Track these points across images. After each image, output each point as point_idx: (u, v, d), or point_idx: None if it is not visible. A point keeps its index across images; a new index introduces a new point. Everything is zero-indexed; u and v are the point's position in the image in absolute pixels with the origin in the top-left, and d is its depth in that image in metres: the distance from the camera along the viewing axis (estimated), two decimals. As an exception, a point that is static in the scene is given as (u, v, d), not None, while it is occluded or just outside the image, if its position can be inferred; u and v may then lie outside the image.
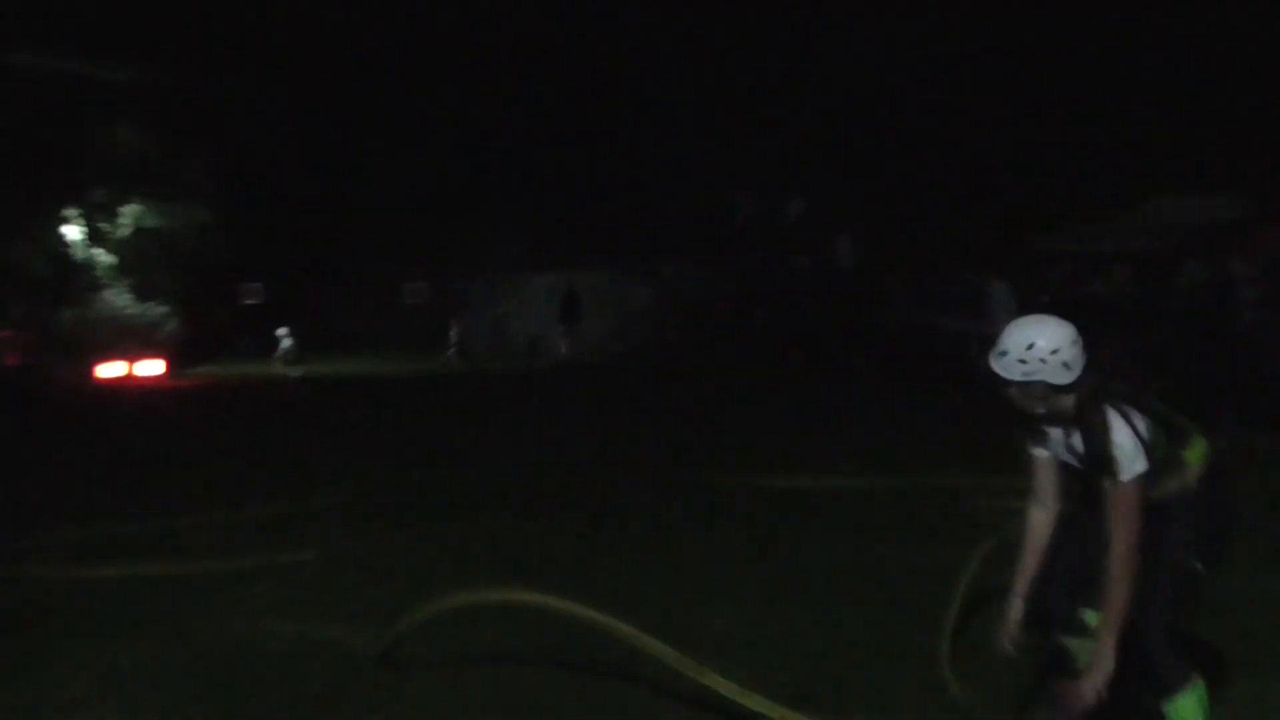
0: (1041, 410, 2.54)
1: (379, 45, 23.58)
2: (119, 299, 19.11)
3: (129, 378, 17.68)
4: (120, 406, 13.17)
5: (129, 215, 19.26)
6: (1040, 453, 2.67)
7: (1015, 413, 2.58)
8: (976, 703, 2.88)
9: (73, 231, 18.60)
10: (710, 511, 5.48)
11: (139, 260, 19.31)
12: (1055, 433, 2.60)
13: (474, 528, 5.16)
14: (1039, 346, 2.48)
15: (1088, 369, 2.49)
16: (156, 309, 19.35)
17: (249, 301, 23.80)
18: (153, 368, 18.01)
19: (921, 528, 4.92)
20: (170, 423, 11.06)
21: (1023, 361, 2.50)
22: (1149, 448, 2.46)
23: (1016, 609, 2.67)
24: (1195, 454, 2.57)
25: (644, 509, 5.55)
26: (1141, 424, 2.47)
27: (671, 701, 2.99)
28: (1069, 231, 15.30)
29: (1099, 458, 2.46)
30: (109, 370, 17.49)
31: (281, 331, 19.16)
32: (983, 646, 2.85)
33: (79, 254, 18.91)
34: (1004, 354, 2.53)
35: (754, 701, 2.57)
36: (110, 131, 18.57)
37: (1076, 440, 2.56)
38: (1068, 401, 2.52)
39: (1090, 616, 2.64)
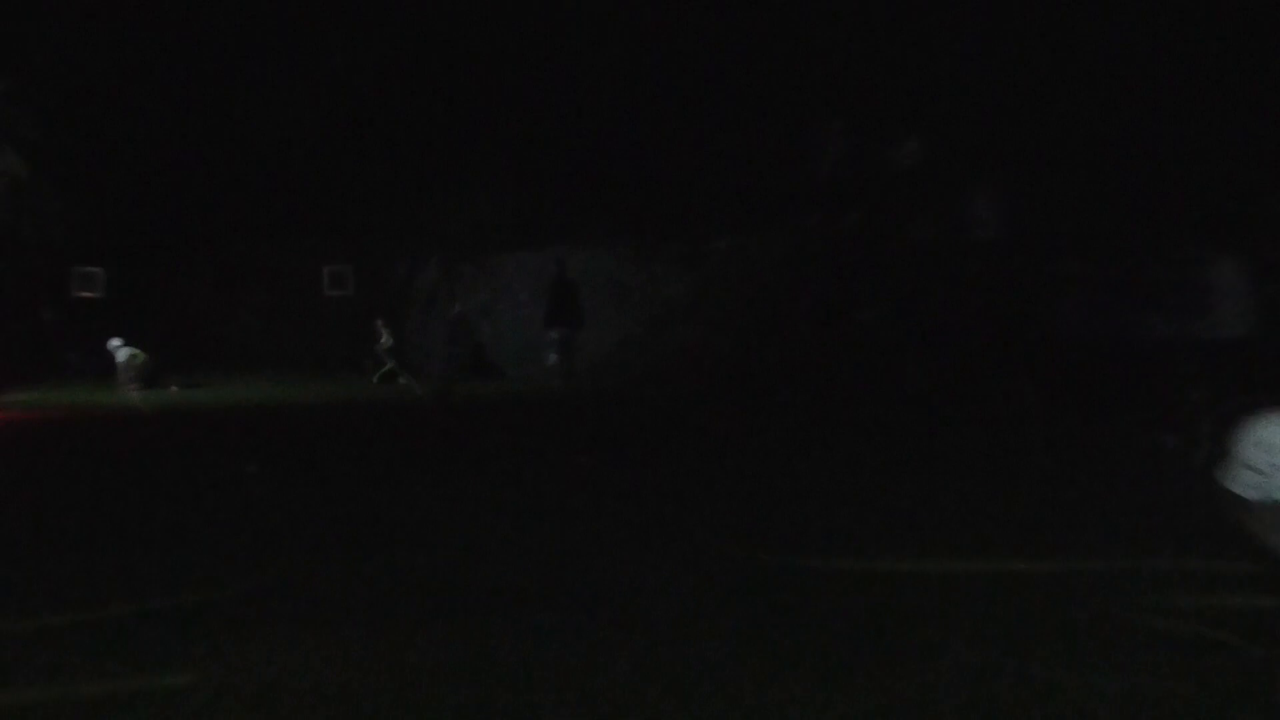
0: None
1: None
2: (-118, 289, 19.61)
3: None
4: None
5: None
6: None
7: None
8: None
9: None
10: (772, 609, 5.54)
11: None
12: None
13: (425, 634, 5.20)
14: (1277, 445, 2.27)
15: None
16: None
17: (84, 294, 24.32)
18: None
19: (1095, 638, 4.98)
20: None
21: (1255, 470, 2.33)
22: None
23: None
24: None
25: (670, 604, 5.62)
26: None
27: None
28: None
29: None
30: None
31: (114, 344, 19.92)
32: None
33: None
34: (1228, 458, 2.44)
35: None
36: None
37: None
38: None
39: None
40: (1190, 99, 18.10)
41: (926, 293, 19.78)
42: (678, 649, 4.96)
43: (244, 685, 4.61)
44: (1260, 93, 17.31)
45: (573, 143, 24.20)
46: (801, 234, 22.54)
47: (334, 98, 24.43)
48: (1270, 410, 2.41)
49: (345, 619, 5.50)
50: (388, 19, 24.50)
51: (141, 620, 5.51)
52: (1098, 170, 18.96)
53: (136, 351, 20.39)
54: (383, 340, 22.02)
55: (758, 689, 4.44)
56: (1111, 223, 17.96)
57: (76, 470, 11.05)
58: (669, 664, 4.77)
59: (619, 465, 10.63)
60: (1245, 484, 2.42)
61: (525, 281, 23.81)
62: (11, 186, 20.05)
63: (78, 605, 5.74)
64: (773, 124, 23.27)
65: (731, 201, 22.89)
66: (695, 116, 23.49)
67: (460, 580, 6.23)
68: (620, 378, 20.93)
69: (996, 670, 4.66)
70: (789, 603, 5.64)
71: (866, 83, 22.34)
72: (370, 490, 9.35)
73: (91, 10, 21.78)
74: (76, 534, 7.68)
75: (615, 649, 4.95)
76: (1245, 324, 13.56)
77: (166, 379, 20.62)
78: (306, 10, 24.38)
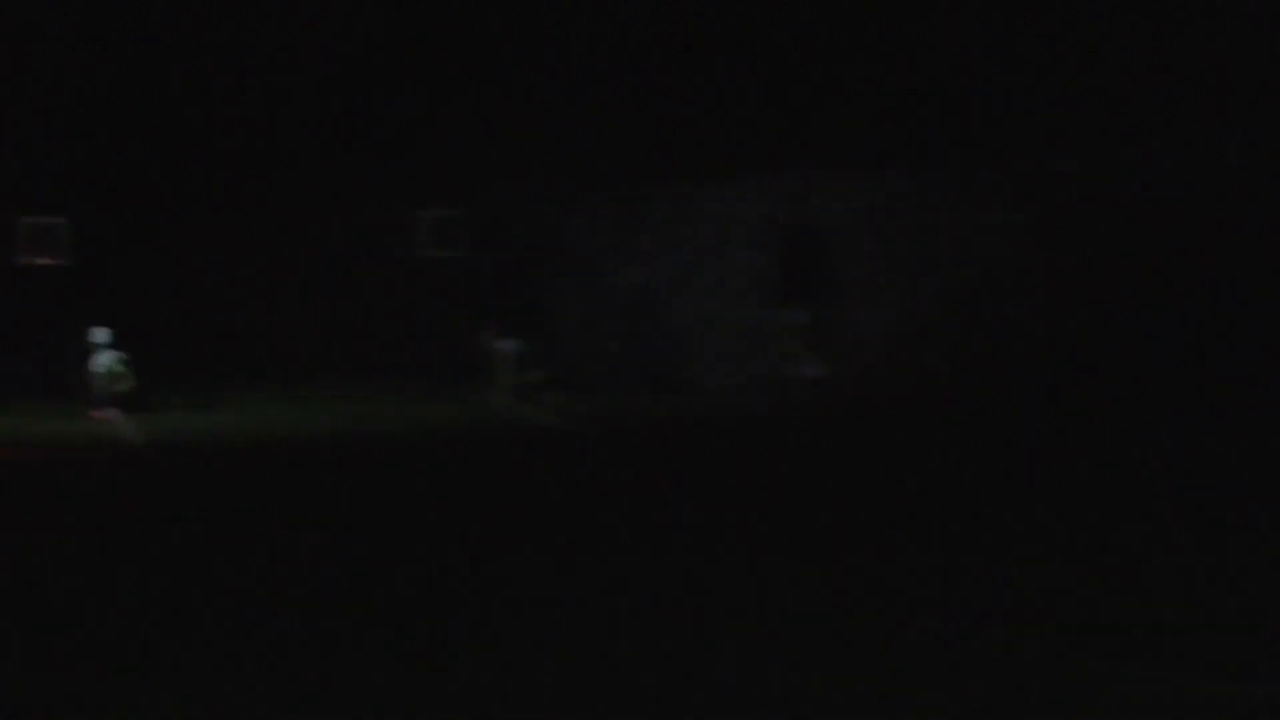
0: None
1: None
2: None
3: None
4: None
5: None
6: None
7: None
8: None
9: None
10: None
11: None
12: None
13: None
14: None
15: None
16: None
17: (38, 260, 24.20)
18: None
19: None
20: None
21: None
22: None
23: None
24: None
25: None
26: None
27: None
28: None
29: None
30: None
31: (98, 337, 19.62)
32: None
33: None
34: None
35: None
36: None
37: None
38: None
39: None
40: None
41: None
42: None
43: None
44: None
45: (819, 6, 22.98)
46: (1202, 148, 21.00)
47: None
48: None
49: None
50: None
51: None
52: None
53: (119, 366, 19.72)
54: (501, 353, 21.24)
55: None
56: None
57: (23, 551, 11.11)
58: None
59: (898, 537, 10.77)
60: None
61: (744, 231, 22.52)
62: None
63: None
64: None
65: (1083, 99, 21.64)
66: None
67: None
68: (906, 382, 20.48)
69: None
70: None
71: None
72: (490, 576, 9.70)
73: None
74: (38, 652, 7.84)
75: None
76: None
77: (160, 396, 20.19)
78: None
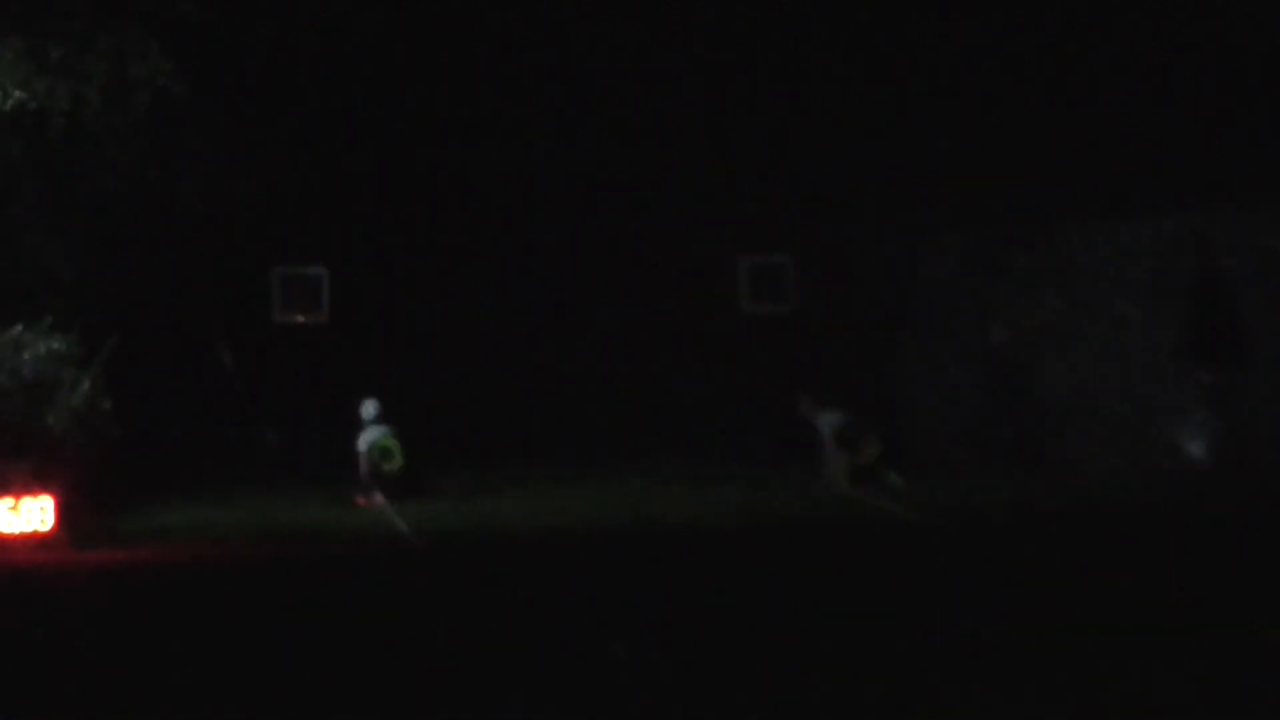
0: None
1: None
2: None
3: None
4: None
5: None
6: None
7: None
8: None
9: None
10: None
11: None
12: None
13: None
14: None
15: None
16: (35, 344, 18.89)
17: (295, 318, 23.57)
18: (25, 513, 17.93)
19: None
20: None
21: None
22: None
23: None
24: None
25: None
26: None
27: None
28: None
29: None
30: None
31: (368, 412, 20.17)
32: None
33: None
34: None
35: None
36: None
37: None
38: None
39: None
40: None
41: None
42: None
43: None
44: None
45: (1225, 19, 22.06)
46: None
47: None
48: None
49: None
50: None
51: None
52: None
53: (388, 440, 19.86)
54: (825, 426, 20.04)
55: None
56: None
57: (289, 662, 10.72)
58: None
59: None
60: None
61: (1132, 282, 21.31)
62: (143, 106, 18.47)
63: None
64: None
65: None
66: None
67: None
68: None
69: None
70: None
71: None
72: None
73: None
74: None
75: None
76: None
77: (432, 478, 20.30)
78: None
